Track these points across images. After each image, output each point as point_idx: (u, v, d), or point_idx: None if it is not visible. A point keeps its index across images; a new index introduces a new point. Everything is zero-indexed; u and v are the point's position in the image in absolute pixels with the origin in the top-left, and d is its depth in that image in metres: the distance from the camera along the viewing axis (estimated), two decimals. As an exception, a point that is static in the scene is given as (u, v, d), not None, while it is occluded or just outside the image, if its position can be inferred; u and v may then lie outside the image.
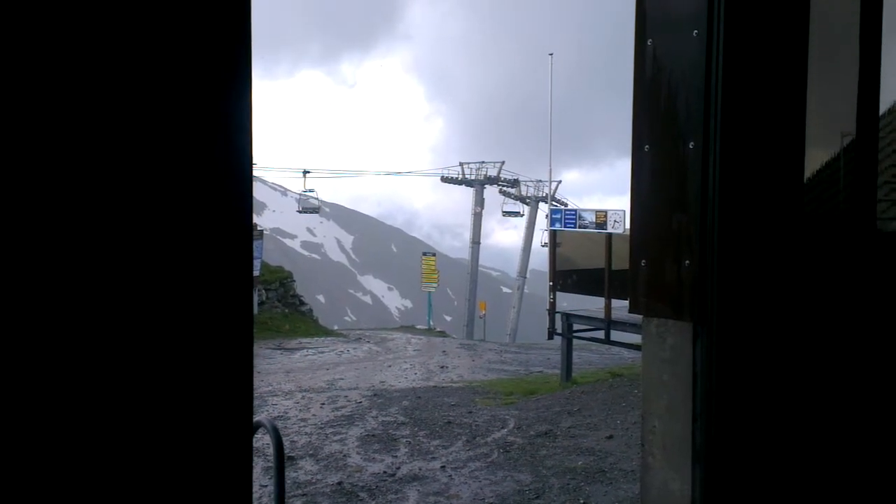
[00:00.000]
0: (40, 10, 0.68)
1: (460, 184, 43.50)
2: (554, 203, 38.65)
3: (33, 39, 0.68)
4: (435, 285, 37.24)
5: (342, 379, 14.45)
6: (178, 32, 0.76)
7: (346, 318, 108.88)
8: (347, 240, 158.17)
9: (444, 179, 43.79)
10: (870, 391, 1.91)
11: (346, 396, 11.86)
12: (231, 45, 0.80)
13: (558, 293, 13.79)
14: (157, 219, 0.76)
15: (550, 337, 14.28)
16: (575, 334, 13.79)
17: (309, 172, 40.31)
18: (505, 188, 43.44)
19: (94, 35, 0.71)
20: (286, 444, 7.85)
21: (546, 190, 39.84)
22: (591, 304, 13.66)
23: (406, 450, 8.45)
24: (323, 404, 11.13)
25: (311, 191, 40.53)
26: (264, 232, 28.10)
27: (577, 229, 25.72)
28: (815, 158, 1.82)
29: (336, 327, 33.61)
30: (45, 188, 0.69)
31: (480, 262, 43.69)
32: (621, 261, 11.99)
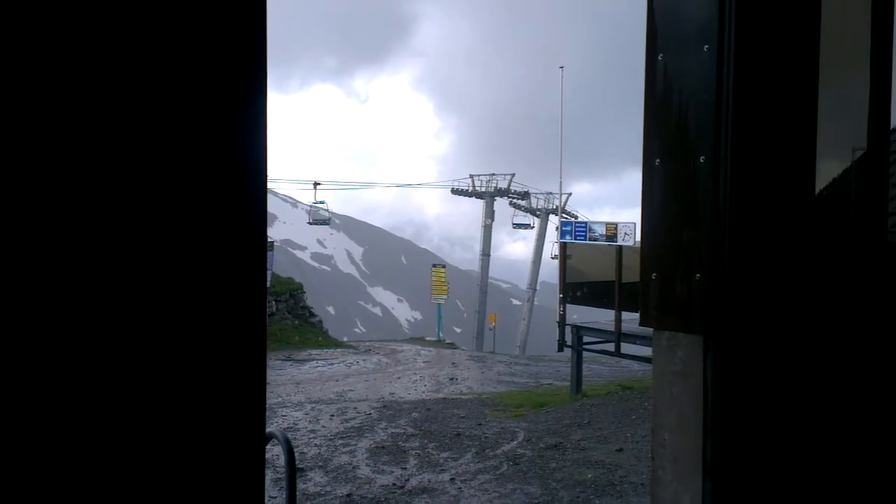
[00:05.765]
0: (61, 31, 0.70)
1: (470, 196, 43.52)
2: (564, 215, 38.61)
3: (53, 64, 0.70)
4: (445, 297, 37.14)
5: (352, 390, 14.44)
6: (194, 47, 0.78)
7: (356, 329, 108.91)
8: (357, 251, 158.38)
9: (455, 191, 43.81)
10: (885, 406, 1.89)
11: (356, 408, 11.85)
12: (246, 59, 0.82)
13: (568, 305, 13.75)
14: (173, 230, 0.77)
15: (560, 349, 14.24)
16: (585, 347, 13.74)
17: (319, 184, 40.39)
18: (515, 200, 43.45)
19: (112, 50, 0.73)
20: (295, 455, 7.84)
21: (556, 202, 39.87)
22: (602, 317, 13.61)
23: (415, 462, 8.43)
24: (332, 416, 11.13)
25: (321, 202, 40.50)
26: (275, 243, 28.18)
27: (588, 242, 25.69)
28: (826, 172, 1.82)
29: (346, 339, 33.61)
30: (61, 199, 0.70)
31: (490, 274, 43.64)
32: (631, 273, 11.95)
